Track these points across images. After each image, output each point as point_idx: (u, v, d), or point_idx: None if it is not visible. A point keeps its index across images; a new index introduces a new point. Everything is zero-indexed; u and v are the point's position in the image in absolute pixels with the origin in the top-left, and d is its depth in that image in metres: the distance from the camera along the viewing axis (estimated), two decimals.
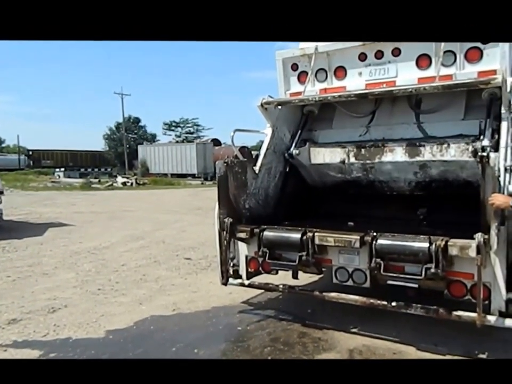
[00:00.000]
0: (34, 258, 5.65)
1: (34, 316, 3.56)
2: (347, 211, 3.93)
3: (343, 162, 3.65)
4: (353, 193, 3.88)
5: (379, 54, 3.29)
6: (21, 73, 75.86)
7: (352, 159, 3.60)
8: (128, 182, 23.29)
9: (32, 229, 7.92)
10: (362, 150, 3.54)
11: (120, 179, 24.09)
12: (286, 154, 3.72)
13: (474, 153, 2.89)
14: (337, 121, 3.81)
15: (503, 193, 2.51)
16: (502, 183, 2.57)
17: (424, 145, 3.27)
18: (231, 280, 3.38)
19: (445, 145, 3.17)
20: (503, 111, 2.78)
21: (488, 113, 2.98)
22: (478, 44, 2.97)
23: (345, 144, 3.65)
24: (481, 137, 2.94)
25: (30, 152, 37.52)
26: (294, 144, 3.73)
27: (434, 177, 3.37)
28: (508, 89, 2.70)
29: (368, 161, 3.53)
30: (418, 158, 3.30)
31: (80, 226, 8.32)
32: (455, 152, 3.13)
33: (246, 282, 3.37)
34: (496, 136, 2.82)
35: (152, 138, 43.28)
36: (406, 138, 3.42)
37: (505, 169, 2.62)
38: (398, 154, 3.38)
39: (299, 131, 3.82)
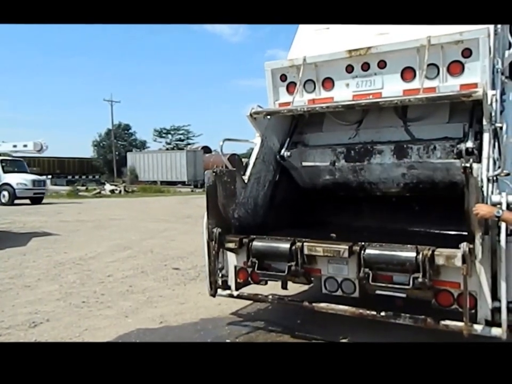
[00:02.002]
0: (16, 269, 5.47)
1: (14, 331, 3.43)
2: (336, 220, 3.96)
3: (333, 164, 3.74)
4: (343, 199, 3.94)
5: (365, 66, 3.36)
6: (7, 79, 74.75)
7: (342, 161, 3.69)
8: (116, 189, 23.03)
9: (15, 239, 7.69)
10: (352, 152, 3.64)
11: (108, 186, 23.81)
12: (278, 157, 3.78)
13: (459, 154, 3.03)
14: (327, 125, 3.88)
15: (487, 203, 2.56)
16: (485, 193, 2.63)
17: (411, 147, 3.38)
18: (219, 291, 3.33)
19: (431, 147, 3.29)
20: (484, 123, 2.85)
21: (471, 117, 3.10)
22: (460, 58, 3.06)
23: (335, 146, 3.74)
24: (465, 139, 3.07)
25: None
26: (285, 147, 3.80)
27: (422, 178, 3.48)
28: (489, 102, 2.78)
29: (357, 163, 3.63)
30: (406, 160, 3.42)
31: (66, 236, 8.13)
32: (441, 154, 3.27)
33: (235, 293, 3.33)
34: (479, 138, 2.92)
35: (142, 145, 43.00)
36: (393, 141, 3.52)
37: (488, 180, 2.68)
38: (386, 156, 3.50)
39: (290, 134, 3.89)
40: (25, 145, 15.47)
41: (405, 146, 3.41)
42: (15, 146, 15.71)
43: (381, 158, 3.52)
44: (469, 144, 2.99)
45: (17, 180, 15.96)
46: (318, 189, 4.00)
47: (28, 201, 16.07)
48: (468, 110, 3.12)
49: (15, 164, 17.35)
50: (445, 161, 3.24)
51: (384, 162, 3.51)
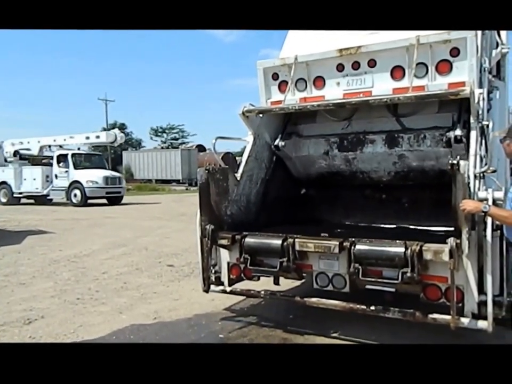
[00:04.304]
0: (11, 267, 5.47)
1: (8, 328, 3.45)
2: (328, 217, 4.02)
3: (326, 153, 3.84)
4: (335, 196, 4.00)
5: (356, 65, 3.41)
6: (2, 79, 74.00)
7: (335, 151, 3.80)
8: None
9: (10, 237, 7.67)
10: (345, 141, 3.75)
11: None
12: (272, 146, 3.86)
13: (448, 142, 3.15)
14: (320, 116, 3.95)
15: (473, 199, 2.62)
16: (472, 190, 2.68)
17: (402, 137, 3.49)
18: (213, 287, 3.37)
19: (421, 136, 3.40)
20: (471, 120, 2.90)
21: (460, 107, 3.19)
22: (448, 57, 3.11)
23: (328, 136, 3.84)
24: (454, 127, 3.17)
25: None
26: (279, 137, 3.88)
27: (412, 166, 3.58)
28: (476, 100, 2.83)
29: (350, 152, 3.74)
30: (397, 149, 3.53)
31: (61, 234, 8.13)
32: (431, 142, 3.37)
33: (228, 289, 3.37)
34: (467, 126, 2.99)
35: (137, 144, 42.82)
36: (385, 131, 3.61)
37: (475, 176, 2.73)
38: (378, 145, 3.61)
39: (283, 127, 3.97)
40: (97, 137, 14.24)
41: (396, 135, 3.51)
42: (87, 138, 14.40)
43: (373, 147, 3.62)
44: (458, 132, 3.09)
45: (87, 177, 13.85)
46: (311, 179, 4.09)
47: (104, 201, 14.09)
48: (456, 101, 3.18)
49: (90, 159, 15.18)
50: (434, 150, 3.34)
51: (376, 151, 3.61)
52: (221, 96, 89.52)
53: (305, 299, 3.06)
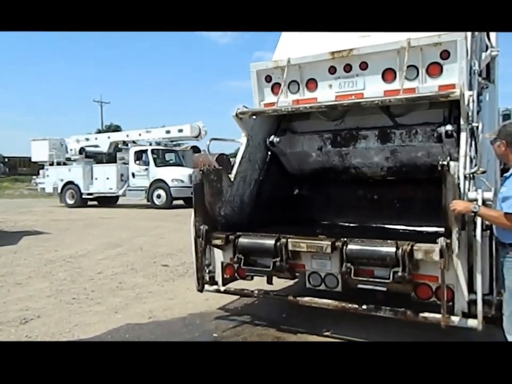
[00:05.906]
0: (7, 267, 5.49)
1: (5, 328, 3.47)
2: (321, 217, 4.06)
3: (320, 149, 3.90)
4: (328, 196, 4.05)
5: (348, 68, 3.45)
6: (6, 82, 73.88)
7: (329, 146, 3.86)
8: None
9: (6, 238, 7.68)
10: (338, 137, 3.81)
11: None
12: (268, 143, 3.92)
13: (439, 138, 3.21)
14: (313, 116, 3.99)
15: (463, 199, 2.65)
16: (462, 190, 2.72)
17: (394, 132, 3.55)
18: (207, 286, 3.40)
19: (413, 132, 3.46)
20: (461, 122, 2.94)
21: (451, 104, 3.23)
22: (438, 60, 3.16)
23: (322, 132, 3.90)
24: (445, 123, 3.23)
25: (6, 159, 36.30)
26: (274, 133, 3.94)
27: (404, 161, 3.64)
28: (466, 102, 2.87)
29: (343, 148, 3.80)
30: (389, 144, 3.59)
31: (57, 234, 8.14)
32: (422, 138, 3.43)
33: (222, 288, 3.40)
34: (457, 122, 3.03)
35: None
36: (377, 127, 3.67)
37: (465, 177, 2.76)
38: (370, 141, 3.67)
39: (278, 124, 4.02)
40: (180, 130, 12.78)
41: (388, 131, 3.57)
42: (168, 132, 13.04)
43: (365, 143, 3.67)
44: (448, 127, 3.15)
45: (172, 175, 12.42)
46: (305, 175, 4.15)
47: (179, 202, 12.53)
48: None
49: (167, 156, 13.99)
50: (426, 145, 3.40)
51: (368, 147, 3.67)
52: (216, 98, 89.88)
53: (298, 298, 3.09)
